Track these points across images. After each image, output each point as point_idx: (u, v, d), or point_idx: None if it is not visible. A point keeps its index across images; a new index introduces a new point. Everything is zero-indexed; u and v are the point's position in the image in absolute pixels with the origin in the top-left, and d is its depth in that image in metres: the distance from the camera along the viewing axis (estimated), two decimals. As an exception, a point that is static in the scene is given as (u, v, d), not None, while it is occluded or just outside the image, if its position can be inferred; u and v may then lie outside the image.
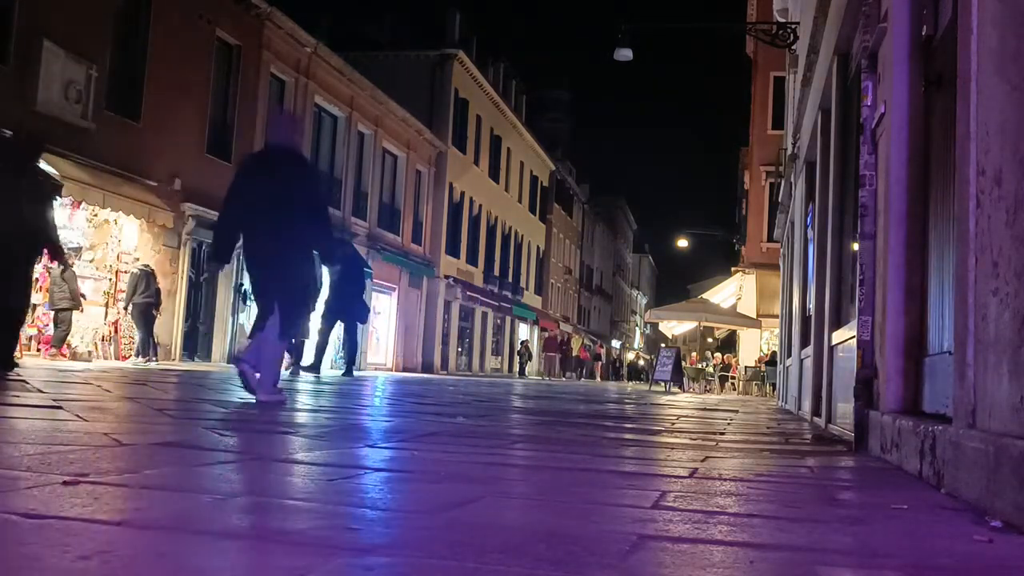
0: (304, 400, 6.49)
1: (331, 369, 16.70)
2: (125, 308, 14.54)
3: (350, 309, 12.25)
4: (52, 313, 13.08)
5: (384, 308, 29.03)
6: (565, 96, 67.06)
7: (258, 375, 5.26)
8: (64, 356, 12.86)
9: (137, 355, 14.21)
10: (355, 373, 13.14)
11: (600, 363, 46.05)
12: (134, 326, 14.58)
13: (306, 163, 6.07)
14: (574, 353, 48.11)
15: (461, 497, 2.10)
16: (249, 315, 20.54)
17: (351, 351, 13.19)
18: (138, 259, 15.49)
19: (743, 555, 1.59)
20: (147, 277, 14.27)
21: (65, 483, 1.85)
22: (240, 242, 5.55)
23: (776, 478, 2.99)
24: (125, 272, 15.71)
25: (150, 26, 16.73)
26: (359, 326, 13.06)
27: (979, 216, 2.40)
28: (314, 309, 6.43)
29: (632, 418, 6.93)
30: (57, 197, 7.99)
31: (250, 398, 5.26)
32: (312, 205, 5.50)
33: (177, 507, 1.75)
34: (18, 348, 11.67)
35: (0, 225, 6.67)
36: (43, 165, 7.80)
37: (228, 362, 19.65)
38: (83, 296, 13.34)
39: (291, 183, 5.40)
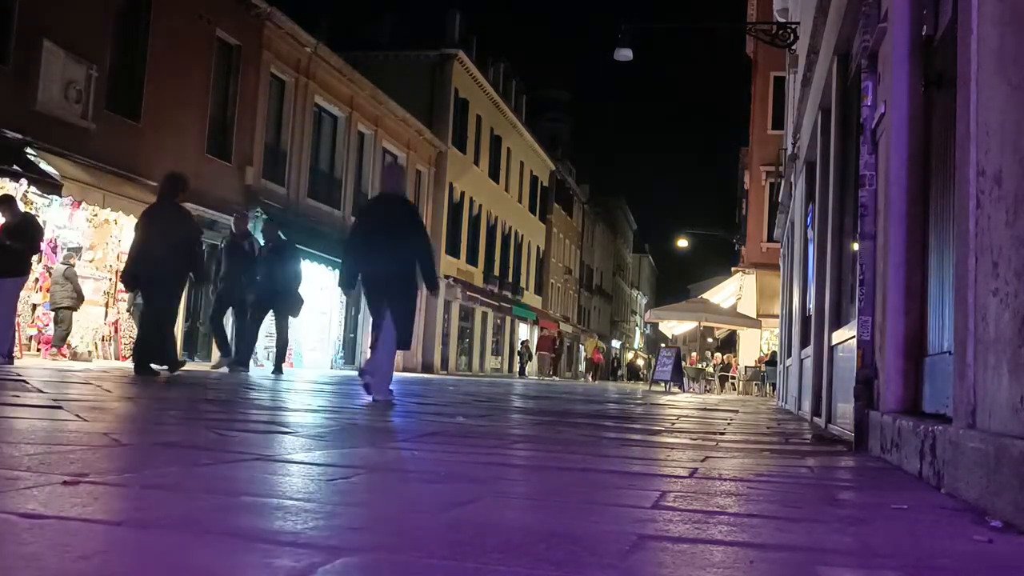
0: (304, 400, 6.49)
1: (296, 368, 16.63)
2: (128, 309, 14.54)
3: (283, 300, 11.24)
4: (52, 312, 13.10)
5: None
6: (565, 96, 67.02)
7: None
8: (64, 356, 12.87)
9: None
10: (284, 371, 11.95)
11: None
12: (135, 327, 14.57)
13: (410, 205, 7.26)
14: (587, 355, 48.15)
15: (461, 497, 2.10)
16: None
17: (281, 346, 11.98)
18: None
19: (743, 555, 1.59)
20: None
21: (65, 483, 1.85)
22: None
23: (776, 478, 2.99)
24: (125, 272, 15.69)
25: (150, 26, 16.72)
26: (291, 319, 11.82)
27: (979, 216, 2.40)
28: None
29: (632, 418, 6.93)
30: (202, 230, 10.47)
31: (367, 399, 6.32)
32: (416, 238, 6.74)
33: (177, 507, 1.75)
34: (18, 348, 11.70)
35: (160, 250, 8.04)
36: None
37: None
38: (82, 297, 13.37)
39: (399, 221, 6.68)
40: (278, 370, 11.68)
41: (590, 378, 42.56)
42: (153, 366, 8.13)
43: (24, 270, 9.56)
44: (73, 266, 13.25)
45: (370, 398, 6.31)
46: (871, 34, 4.67)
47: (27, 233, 9.34)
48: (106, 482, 1.93)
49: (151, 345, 8.23)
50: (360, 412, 5.70)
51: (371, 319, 7.01)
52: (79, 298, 13.06)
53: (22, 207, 10.63)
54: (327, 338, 24.99)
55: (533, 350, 41.24)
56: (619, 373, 56.44)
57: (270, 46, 20.94)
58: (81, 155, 14.37)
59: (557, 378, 39.03)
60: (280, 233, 12.10)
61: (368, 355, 6.98)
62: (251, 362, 11.50)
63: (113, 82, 15.65)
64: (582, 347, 54.53)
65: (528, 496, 2.27)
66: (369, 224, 6.77)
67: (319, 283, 24.32)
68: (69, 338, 13.29)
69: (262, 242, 11.82)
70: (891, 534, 1.92)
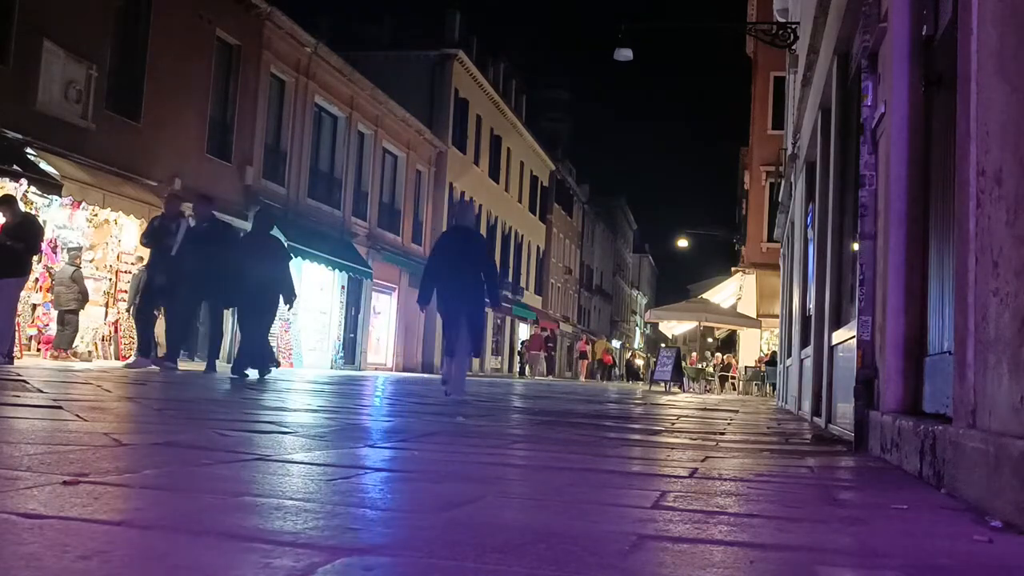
0: (303, 400, 6.49)
1: (277, 366, 16.59)
2: (128, 309, 14.53)
3: (218, 288, 9.88)
4: (57, 313, 13.10)
5: (384, 308, 29.05)
6: (565, 96, 67.09)
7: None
8: (70, 358, 12.86)
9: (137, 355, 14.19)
10: (218, 369, 10.37)
11: (586, 361, 45.73)
12: (135, 326, 14.57)
13: (479, 236, 8.84)
14: (597, 357, 48.08)
15: (461, 497, 2.10)
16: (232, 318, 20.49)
17: (214, 341, 10.83)
18: (141, 259, 15.47)
19: (743, 555, 1.59)
20: None
21: (65, 483, 1.85)
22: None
23: (776, 478, 2.99)
24: (126, 272, 15.71)
25: (150, 26, 16.73)
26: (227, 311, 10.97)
27: (979, 216, 2.40)
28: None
29: (632, 418, 6.93)
30: (291, 256, 11.43)
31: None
32: (484, 263, 8.31)
33: (177, 507, 1.75)
34: (18, 348, 11.70)
35: (258, 276, 9.33)
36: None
37: (228, 362, 19.64)
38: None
39: (472, 250, 8.18)
40: (211, 368, 10.22)
41: (582, 378, 42.51)
42: (247, 372, 9.52)
43: (24, 271, 9.57)
44: (79, 267, 13.26)
45: (450, 396, 7.64)
46: (871, 34, 4.67)
47: (28, 234, 9.34)
48: (106, 482, 1.93)
49: (251, 355, 9.66)
50: (360, 412, 5.71)
51: (444, 330, 8.54)
52: (85, 299, 13.07)
53: (22, 207, 10.63)
54: (327, 338, 25.00)
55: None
56: (615, 373, 56.33)
57: (270, 46, 20.94)
58: (81, 155, 14.37)
59: (551, 377, 38.94)
60: (231, 220, 10.96)
61: (444, 360, 8.39)
62: (215, 362, 10.41)
63: (113, 82, 15.66)
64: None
65: (528, 496, 2.27)
66: (447, 252, 8.12)
67: (319, 283, 24.34)
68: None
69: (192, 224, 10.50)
70: (891, 534, 1.92)
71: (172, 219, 10.42)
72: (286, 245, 21.03)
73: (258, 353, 9.64)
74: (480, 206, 36.85)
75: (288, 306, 10.11)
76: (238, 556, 1.32)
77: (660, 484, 2.60)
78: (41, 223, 10.66)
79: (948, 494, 2.50)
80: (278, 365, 10.94)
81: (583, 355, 45.90)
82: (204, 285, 9.92)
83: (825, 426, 6.49)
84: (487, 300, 8.26)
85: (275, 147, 21.95)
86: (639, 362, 62.31)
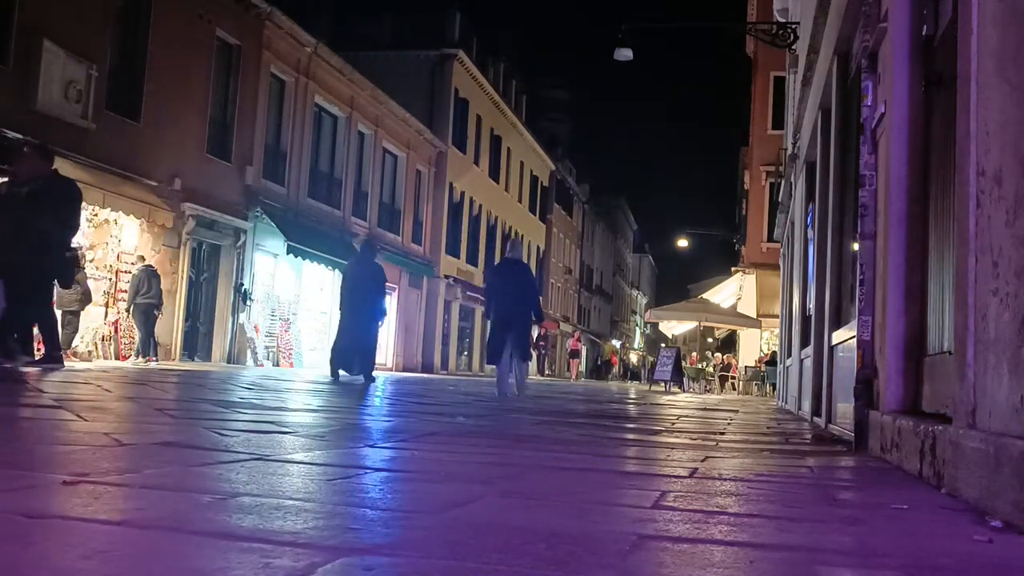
0: (303, 400, 6.49)
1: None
2: (127, 309, 14.54)
3: (35, 262, 7.74)
4: (60, 314, 13.09)
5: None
6: (565, 96, 67.00)
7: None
8: (68, 357, 12.87)
9: (137, 355, 14.21)
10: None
11: (577, 361, 45.55)
12: (135, 326, 14.61)
13: (526, 266, 11.02)
14: (605, 358, 47.95)
15: (461, 497, 2.10)
16: (249, 316, 20.58)
17: (22, 327, 8.12)
18: (142, 258, 15.49)
19: (743, 555, 1.59)
20: (150, 278, 14.27)
21: (65, 483, 1.85)
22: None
23: (776, 478, 2.99)
24: (126, 272, 15.72)
25: (150, 26, 16.73)
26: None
27: (979, 216, 2.40)
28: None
29: (632, 418, 6.93)
30: (387, 279, 13.27)
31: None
32: (531, 287, 10.51)
33: (177, 507, 1.75)
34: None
35: (362, 295, 11.07)
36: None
37: (228, 362, 19.67)
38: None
39: (520, 278, 10.27)
40: (51, 360, 8.06)
41: (572, 378, 42.43)
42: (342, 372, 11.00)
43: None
44: (83, 268, 13.25)
45: (515, 393, 9.76)
46: (871, 34, 4.67)
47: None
48: (106, 482, 1.93)
49: (366, 362, 11.19)
50: (360, 412, 5.70)
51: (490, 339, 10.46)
52: (87, 300, 13.07)
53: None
54: (327, 338, 24.98)
55: (532, 352, 40.77)
56: (604, 372, 56.17)
57: (270, 46, 20.94)
58: (81, 155, 14.37)
59: (541, 377, 38.77)
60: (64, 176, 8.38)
61: (501, 364, 10.09)
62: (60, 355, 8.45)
63: (113, 82, 15.66)
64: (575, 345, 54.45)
65: (528, 496, 2.27)
66: (500, 279, 10.37)
67: (319, 283, 24.35)
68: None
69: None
70: (891, 534, 1.92)
71: (23, 183, 7.94)
72: (305, 250, 21.29)
73: (370, 360, 11.39)
74: (480, 206, 36.86)
75: (381, 320, 11.68)
76: (238, 556, 1.32)
77: (660, 484, 2.60)
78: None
79: (948, 494, 2.50)
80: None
81: (575, 353, 45.67)
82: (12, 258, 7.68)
83: (825, 426, 6.49)
84: (532, 316, 10.47)
85: (275, 147, 21.95)
86: (634, 358, 62.49)
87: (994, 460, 2.06)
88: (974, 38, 2.50)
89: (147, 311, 14.20)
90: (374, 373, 11.48)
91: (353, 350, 11.14)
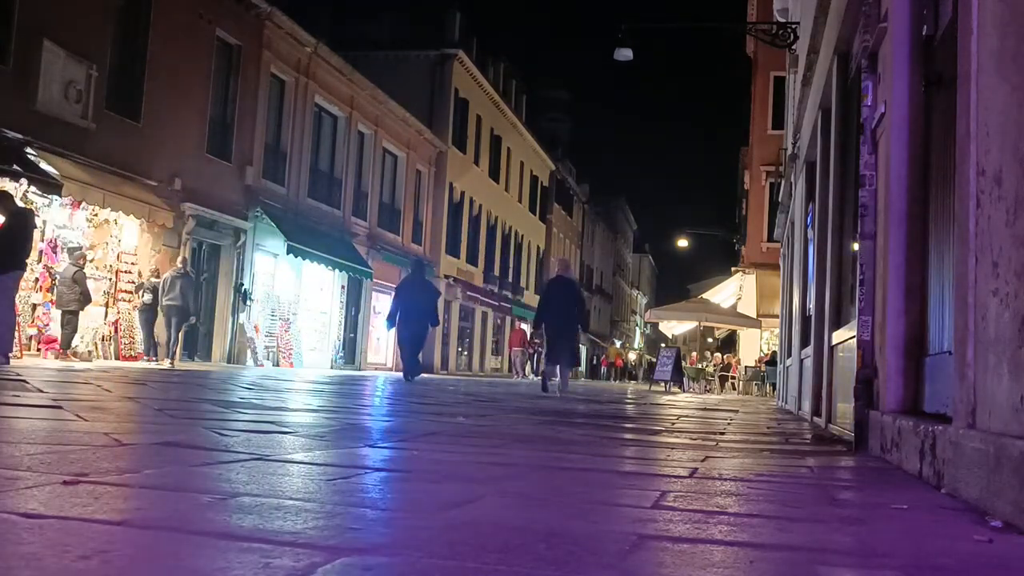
0: (303, 400, 6.49)
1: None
2: (160, 309, 14.72)
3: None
4: (59, 314, 13.10)
5: (384, 308, 28.99)
6: (565, 96, 66.98)
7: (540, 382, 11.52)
8: (68, 357, 12.86)
9: (150, 355, 14.47)
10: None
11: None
12: (138, 326, 14.82)
13: (575, 283, 12.39)
14: (610, 360, 48.05)
15: (461, 497, 2.10)
16: (248, 315, 20.58)
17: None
18: (185, 259, 15.79)
19: (743, 555, 1.59)
20: (175, 280, 14.54)
21: (65, 483, 1.85)
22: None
23: (776, 478, 2.99)
24: (126, 272, 15.77)
25: (150, 26, 16.73)
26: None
27: (979, 216, 2.40)
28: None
29: (632, 418, 6.93)
30: (439, 293, 16.06)
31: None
32: (578, 302, 12.02)
33: (177, 507, 1.75)
34: (18, 348, 11.68)
35: (416, 308, 13.00)
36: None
37: (228, 362, 19.67)
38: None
39: (568, 294, 11.74)
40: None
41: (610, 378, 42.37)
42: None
43: (16, 264, 9.34)
44: (83, 268, 13.25)
45: (557, 392, 11.03)
46: (871, 34, 4.67)
47: (14, 227, 9.20)
48: (106, 482, 1.93)
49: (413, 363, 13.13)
50: (360, 412, 5.71)
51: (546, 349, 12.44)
52: (86, 300, 13.06)
53: (22, 205, 10.58)
54: (327, 338, 25.00)
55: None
56: (603, 372, 56.05)
57: (270, 46, 20.94)
58: (81, 155, 14.37)
59: (533, 377, 38.46)
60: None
61: (548, 367, 11.98)
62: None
63: (113, 82, 15.65)
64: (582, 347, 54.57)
65: (528, 496, 2.27)
66: (550, 295, 11.83)
67: (319, 283, 24.35)
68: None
69: None
70: (891, 534, 1.92)
71: None
72: (305, 250, 21.41)
73: (416, 361, 13.23)
74: (480, 206, 36.86)
75: (432, 327, 13.50)
76: (238, 556, 1.32)
77: (660, 484, 2.60)
78: (33, 213, 10.62)
79: (948, 494, 2.50)
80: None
81: None
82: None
83: (825, 426, 6.49)
84: (579, 326, 12.28)
85: (275, 147, 21.95)
86: (632, 356, 62.65)
87: (994, 460, 2.06)
88: (974, 38, 2.50)
89: (169, 312, 14.42)
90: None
91: (412, 355, 13.21)
